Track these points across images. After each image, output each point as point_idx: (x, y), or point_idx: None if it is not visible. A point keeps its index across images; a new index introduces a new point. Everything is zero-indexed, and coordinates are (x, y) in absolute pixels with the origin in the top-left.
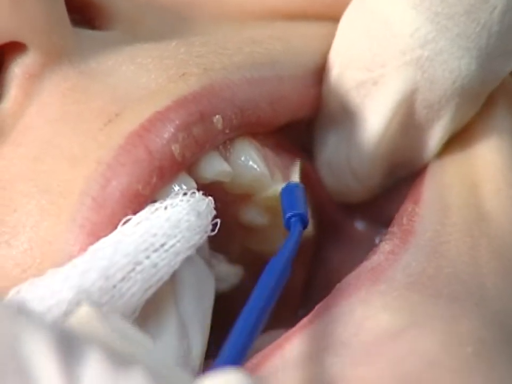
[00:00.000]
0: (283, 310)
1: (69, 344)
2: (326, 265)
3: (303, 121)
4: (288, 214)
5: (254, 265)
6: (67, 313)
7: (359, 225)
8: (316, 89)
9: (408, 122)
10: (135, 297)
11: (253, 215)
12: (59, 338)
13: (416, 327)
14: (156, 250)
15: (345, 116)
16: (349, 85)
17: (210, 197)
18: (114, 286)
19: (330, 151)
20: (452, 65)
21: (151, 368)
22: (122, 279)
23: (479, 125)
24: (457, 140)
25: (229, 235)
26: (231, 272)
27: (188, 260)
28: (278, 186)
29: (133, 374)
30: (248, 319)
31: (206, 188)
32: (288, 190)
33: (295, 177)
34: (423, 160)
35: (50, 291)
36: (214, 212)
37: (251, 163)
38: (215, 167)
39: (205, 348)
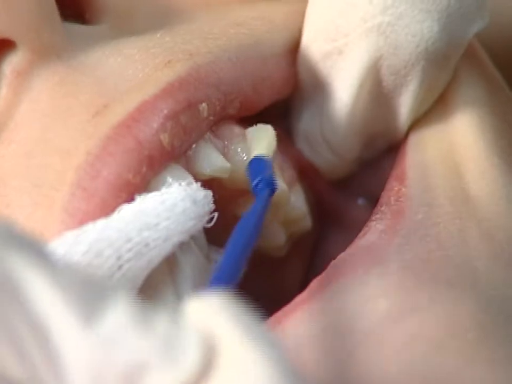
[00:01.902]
0: (282, 304)
1: (88, 286)
2: (327, 257)
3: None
4: (255, 181)
5: (251, 261)
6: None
7: (361, 209)
8: (295, 66)
9: (377, 91)
10: (127, 277)
11: None
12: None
13: (417, 312)
14: (148, 229)
15: (315, 89)
16: (316, 57)
17: (209, 190)
18: (105, 262)
19: (305, 125)
20: (414, 28)
21: None
22: (113, 255)
23: (454, 98)
24: (434, 113)
25: (227, 230)
26: None
27: (187, 248)
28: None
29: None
30: (221, 278)
31: (204, 184)
32: (255, 162)
33: (261, 149)
34: (398, 130)
35: None
36: (212, 204)
37: (249, 158)
38: (213, 163)
39: None
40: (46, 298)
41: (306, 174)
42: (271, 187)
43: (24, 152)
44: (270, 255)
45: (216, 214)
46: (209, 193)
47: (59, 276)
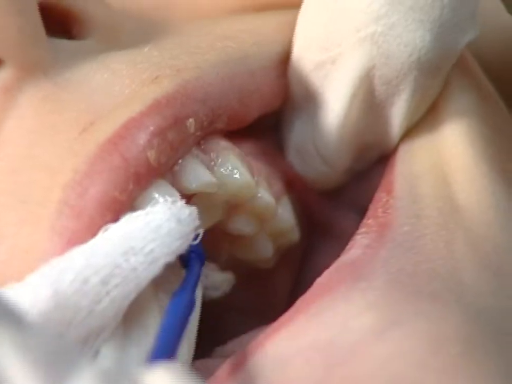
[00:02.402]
0: (271, 316)
1: (54, 352)
2: (316, 269)
3: (275, 112)
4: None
5: (240, 273)
6: (43, 313)
7: (350, 220)
8: (286, 78)
9: (370, 101)
10: (115, 303)
11: (239, 224)
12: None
13: (400, 327)
14: (135, 254)
15: (307, 99)
16: (308, 68)
17: (194, 206)
18: (92, 289)
19: (296, 136)
20: (407, 38)
21: None
22: (101, 282)
23: (445, 107)
24: (424, 122)
25: (215, 244)
26: (224, 280)
27: (171, 268)
28: (264, 195)
29: None
30: (158, 354)
31: (192, 198)
32: None
33: None
34: (391, 141)
35: (26, 289)
36: (198, 221)
37: (236, 172)
38: (199, 178)
39: (191, 353)
40: (11, 364)
41: (295, 185)
42: (201, 259)
43: (10, 169)
44: (258, 267)
45: (201, 231)
46: (194, 210)
47: (27, 341)
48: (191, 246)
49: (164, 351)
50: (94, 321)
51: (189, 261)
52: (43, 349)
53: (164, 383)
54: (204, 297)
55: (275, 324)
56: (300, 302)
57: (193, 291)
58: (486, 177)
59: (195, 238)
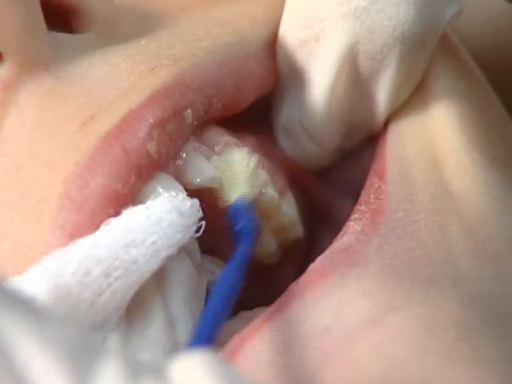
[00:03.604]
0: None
1: (81, 346)
2: None
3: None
4: (238, 226)
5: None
6: (45, 306)
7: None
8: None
9: (355, 77)
10: (117, 295)
11: None
12: (64, 341)
13: (396, 312)
14: (136, 246)
15: (294, 78)
16: (293, 45)
17: (196, 199)
18: (94, 281)
19: (284, 116)
20: (390, 12)
21: None
22: (102, 274)
23: (434, 89)
24: (413, 105)
25: (220, 240)
26: None
27: (176, 261)
28: (268, 190)
29: None
30: (208, 324)
31: (195, 193)
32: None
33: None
34: (378, 118)
35: (28, 282)
36: (200, 214)
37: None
38: (203, 173)
39: None
40: (36, 364)
41: (297, 178)
42: (254, 233)
43: (12, 165)
44: (261, 263)
45: (203, 224)
46: (196, 202)
47: (48, 332)
48: (243, 221)
49: (206, 333)
50: (96, 314)
51: (239, 237)
52: (65, 340)
53: (194, 375)
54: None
55: (269, 310)
56: (293, 288)
57: (241, 270)
58: (478, 163)
59: (197, 231)
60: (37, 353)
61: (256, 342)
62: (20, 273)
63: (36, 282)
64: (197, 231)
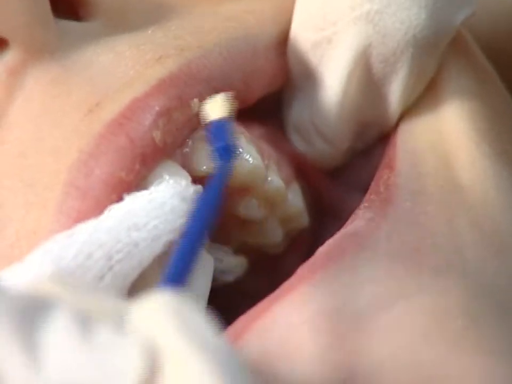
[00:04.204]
0: None
1: (28, 307)
2: None
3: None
4: (216, 145)
5: (249, 258)
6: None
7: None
8: (286, 57)
9: (367, 79)
10: (118, 279)
11: (250, 208)
12: (13, 301)
13: (404, 299)
14: (137, 230)
15: (305, 79)
16: (305, 47)
17: (199, 185)
18: (95, 264)
19: (296, 115)
20: (402, 16)
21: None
22: (104, 256)
23: (443, 87)
24: (424, 102)
25: (226, 229)
26: (237, 264)
27: None
28: (274, 179)
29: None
30: (185, 248)
31: (202, 181)
32: (215, 124)
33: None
34: (389, 119)
35: (30, 265)
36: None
37: (246, 156)
38: (209, 160)
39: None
40: None
41: (304, 170)
42: (232, 153)
43: (17, 152)
44: (267, 252)
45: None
46: (200, 188)
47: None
48: (222, 139)
49: (179, 269)
50: None
51: (218, 155)
52: (13, 301)
53: (152, 319)
54: (216, 281)
55: (278, 291)
56: (301, 271)
57: (221, 188)
58: (488, 158)
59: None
60: None
61: (266, 321)
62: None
63: (37, 265)
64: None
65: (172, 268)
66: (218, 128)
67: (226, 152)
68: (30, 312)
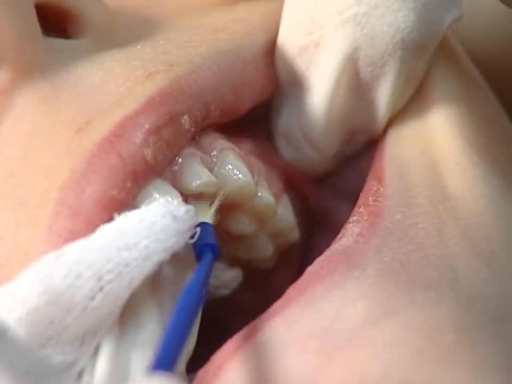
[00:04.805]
0: None
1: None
2: None
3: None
4: (200, 244)
5: (242, 273)
6: (35, 310)
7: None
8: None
9: (355, 83)
10: (109, 299)
11: (240, 223)
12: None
13: (395, 315)
14: (128, 249)
15: (293, 84)
16: (293, 52)
17: (191, 205)
18: (85, 284)
19: (284, 123)
20: (390, 18)
21: None
22: (94, 276)
23: (431, 93)
24: (412, 109)
25: (221, 243)
26: (233, 277)
27: (171, 266)
28: (264, 194)
29: None
30: (168, 346)
31: (192, 198)
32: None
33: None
34: (378, 123)
35: (19, 285)
36: (195, 220)
37: (236, 172)
38: (199, 178)
39: (188, 356)
40: None
41: (293, 180)
42: (215, 253)
43: (8, 172)
44: (258, 267)
45: (198, 230)
46: (191, 208)
47: (9, 354)
48: (204, 239)
49: (172, 349)
50: (89, 319)
51: (201, 254)
52: (24, 364)
53: None
54: (210, 296)
55: (268, 312)
56: (291, 291)
57: (203, 287)
58: (477, 167)
59: (193, 237)
60: None
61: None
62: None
63: (26, 285)
64: (192, 237)
65: (161, 352)
66: (204, 229)
67: (210, 251)
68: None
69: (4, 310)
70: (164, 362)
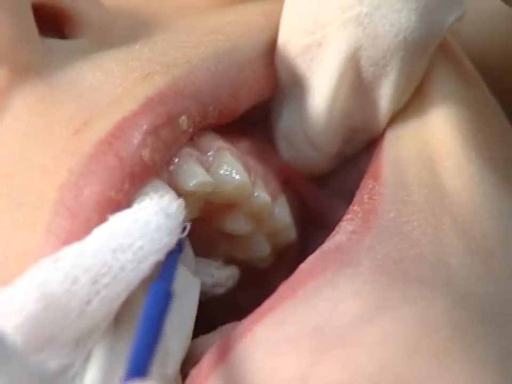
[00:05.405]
0: None
1: None
2: None
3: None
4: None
5: (239, 272)
6: (32, 316)
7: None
8: (274, 66)
9: (357, 82)
10: (105, 303)
11: (236, 223)
12: None
13: (389, 312)
14: (123, 251)
15: (295, 84)
16: (294, 52)
17: (181, 199)
18: (81, 289)
19: (285, 123)
20: (392, 18)
21: None
22: (90, 281)
23: (430, 93)
24: (411, 108)
25: (214, 243)
26: (229, 276)
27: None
28: (260, 194)
29: None
30: (139, 350)
31: (188, 197)
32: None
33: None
34: (379, 123)
35: (15, 291)
36: (184, 214)
37: (233, 173)
38: (195, 177)
39: (183, 356)
40: None
41: (291, 180)
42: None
43: (5, 172)
44: (255, 267)
45: (189, 225)
46: (181, 202)
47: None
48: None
49: (143, 350)
50: (85, 323)
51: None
52: (20, 372)
53: None
54: (206, 295)
55: (259, 310)
56: (283, 288)
57: (170, 283)
58: (474, 165)
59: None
60: None
61: (247, 341)
62: (13, 280)
63: (23, 291)
64: (183, 232)
65: (133, 357)
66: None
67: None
68: None
69: (0, 316)
70: (137, 367)
